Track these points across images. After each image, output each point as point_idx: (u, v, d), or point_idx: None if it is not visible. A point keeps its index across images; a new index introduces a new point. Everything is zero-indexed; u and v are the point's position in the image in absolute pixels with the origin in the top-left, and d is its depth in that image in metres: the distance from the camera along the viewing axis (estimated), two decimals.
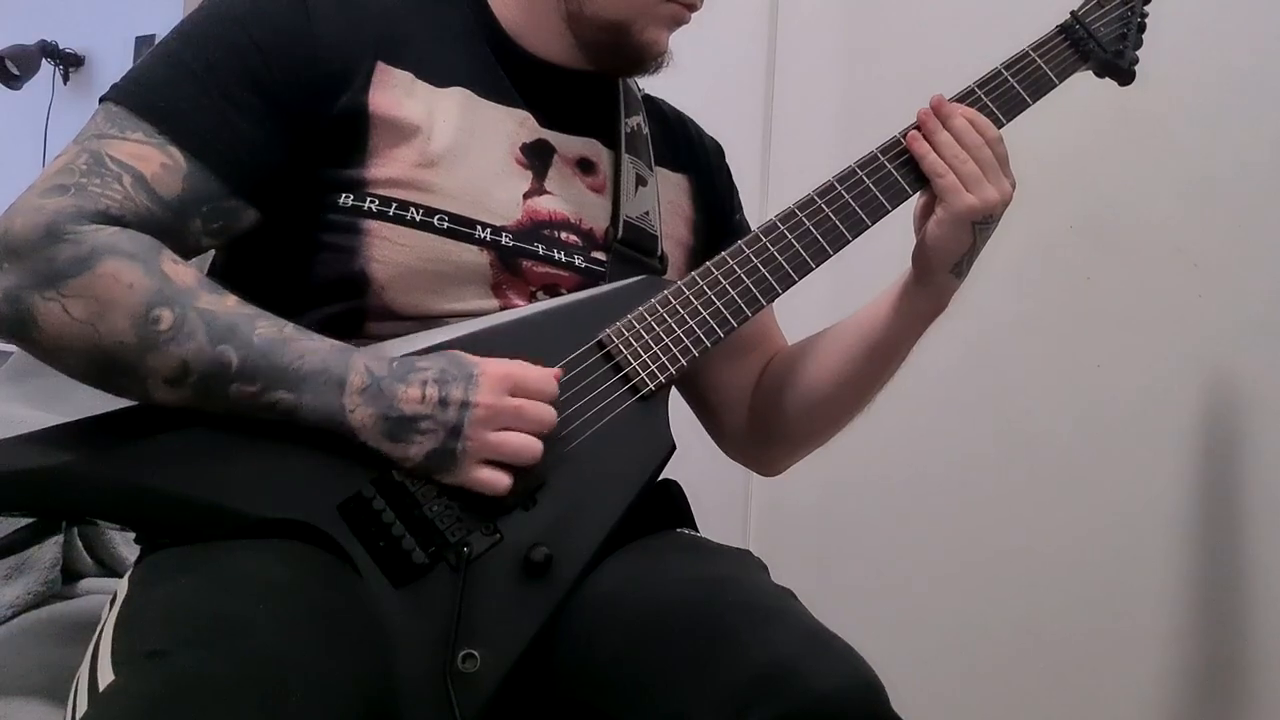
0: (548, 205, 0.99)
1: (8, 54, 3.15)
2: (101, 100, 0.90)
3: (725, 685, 0.74)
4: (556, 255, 0.98)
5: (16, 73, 3.16)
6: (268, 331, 0.84)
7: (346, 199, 0.91)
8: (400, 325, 0.92)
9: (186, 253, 0.89)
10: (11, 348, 0.94)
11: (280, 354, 0.83)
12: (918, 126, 1.00)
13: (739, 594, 0.84)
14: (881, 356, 1.06)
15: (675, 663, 0.78)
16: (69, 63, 3.27)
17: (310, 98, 0.91)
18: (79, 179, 0.85)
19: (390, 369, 0.85)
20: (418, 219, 0.92)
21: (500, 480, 0.85)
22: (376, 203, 0.91)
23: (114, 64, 3.22)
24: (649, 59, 1.02)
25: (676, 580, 0.87)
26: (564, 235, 0.99)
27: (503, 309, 0.95)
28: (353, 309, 0.92)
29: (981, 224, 0.98)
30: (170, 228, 0.87)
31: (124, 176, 0.86)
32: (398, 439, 0.84)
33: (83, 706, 0.73)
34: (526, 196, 0.98)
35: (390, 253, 0.91)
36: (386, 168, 0.92)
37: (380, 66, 0.94)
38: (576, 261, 0.99)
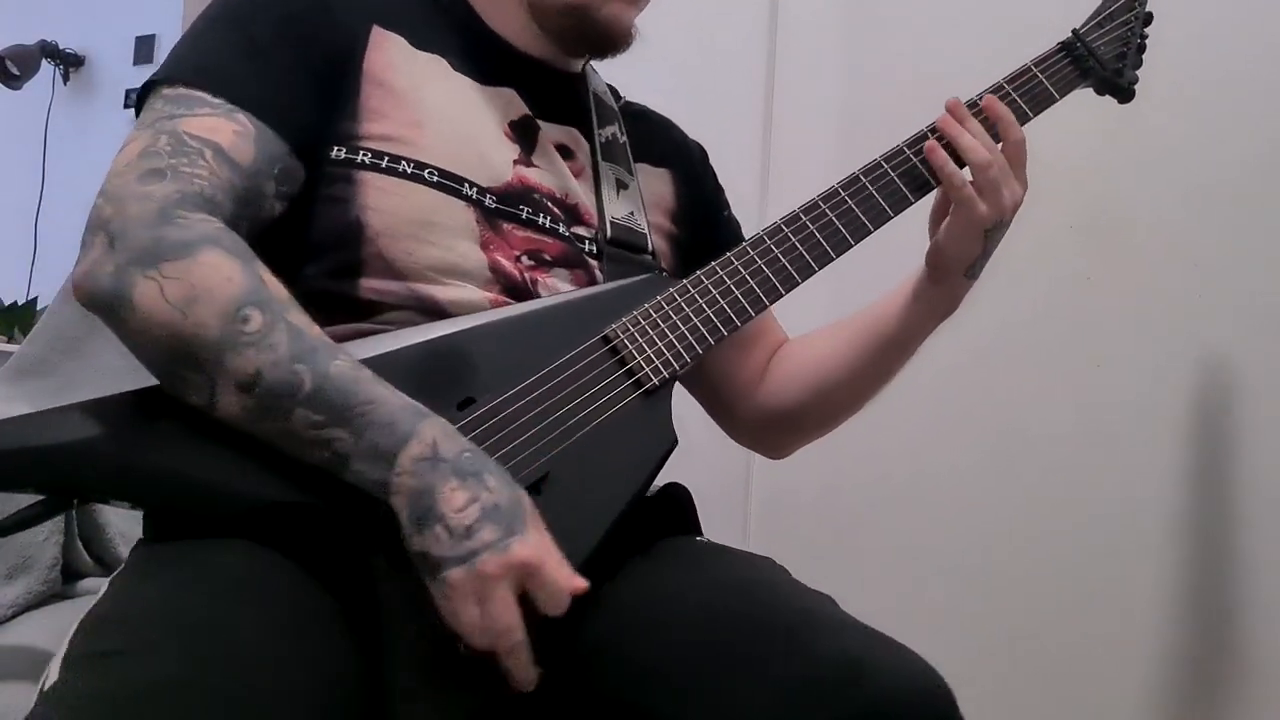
0: (535, 176, 1.01)
1: (8, 54, 3.15)
2: (150, 87, 0.91)
3: (789, 682, 0.75)
4: (541, 220, 1.00)
5: (16, 73, 3.16)
6: (344, 366, 0.82)
7: (339, 152, 0.93)
8: (396, 284, 0.92)
9: (263, 223, 0.91)
10: (12, 347, 0.94)
11: (353, 392, 0.81)
12: (931, 132, 1.01)
13: (785, 597, 0.86)
14: (891, 352, 1.09)
15: (730, 661, 0.79)
16: (69, 63, 3.27)
17: (326, 60, 0.95)
18: (169, 160, 0.86)
19: (459, 456, 0.80)
20: (409, 171, 0.94)
21: (448, 630, 0.79)
22: (369, 155, 0.94)
23: (114, 64, 3.22)
24: (615, 36, 1.03)
25: (717, 582, 0.88)
26: (550, 205, 1.01)
27: (490, 266, 0.95)
28: (349, 262, 0.93)
29: (992, 230, 0.99)
30: (251, 196, 0.89)
31: (205, 151, 0.87)
32: (414, 522, 0.79)
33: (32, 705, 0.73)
34: (516, 164, 1.00)
35: (383, 201, 0.93)
36: (378, 124, 0.95)
37: (376, 29, 0.98)
38: (560, 229, 1.00)
